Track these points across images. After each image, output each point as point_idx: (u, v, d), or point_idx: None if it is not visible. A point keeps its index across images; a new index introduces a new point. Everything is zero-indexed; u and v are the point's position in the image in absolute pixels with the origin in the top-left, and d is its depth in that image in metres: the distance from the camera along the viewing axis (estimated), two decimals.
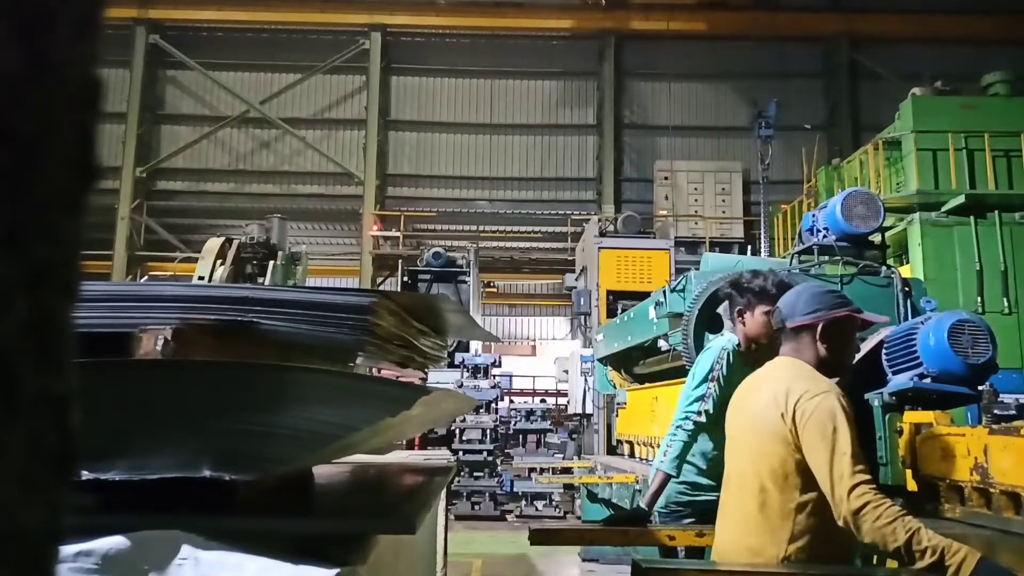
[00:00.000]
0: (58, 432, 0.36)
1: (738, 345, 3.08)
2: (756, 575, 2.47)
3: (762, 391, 2.19)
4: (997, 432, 2.83)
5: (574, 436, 11.44)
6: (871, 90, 17.40)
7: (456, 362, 11.19)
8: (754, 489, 2.11)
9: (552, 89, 18.36)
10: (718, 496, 3.06)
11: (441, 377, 10.29)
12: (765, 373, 2.29)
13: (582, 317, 11.64)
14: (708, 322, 4.58)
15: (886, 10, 17.33)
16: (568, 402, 11.73)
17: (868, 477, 1.96)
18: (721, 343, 3.14)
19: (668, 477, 2.97)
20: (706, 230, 16.05)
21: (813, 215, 5.46)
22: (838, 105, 17.61)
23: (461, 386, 10.60)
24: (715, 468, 3.12)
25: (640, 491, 5.39)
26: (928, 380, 3.49)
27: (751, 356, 3.02)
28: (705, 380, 3.05)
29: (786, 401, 2.07)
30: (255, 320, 1.25)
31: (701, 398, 3.03)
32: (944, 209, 10.17)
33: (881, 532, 1.86)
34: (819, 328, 2.18)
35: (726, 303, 4.60)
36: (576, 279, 12.96)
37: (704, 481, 3.17)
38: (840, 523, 1.93)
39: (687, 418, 3.03)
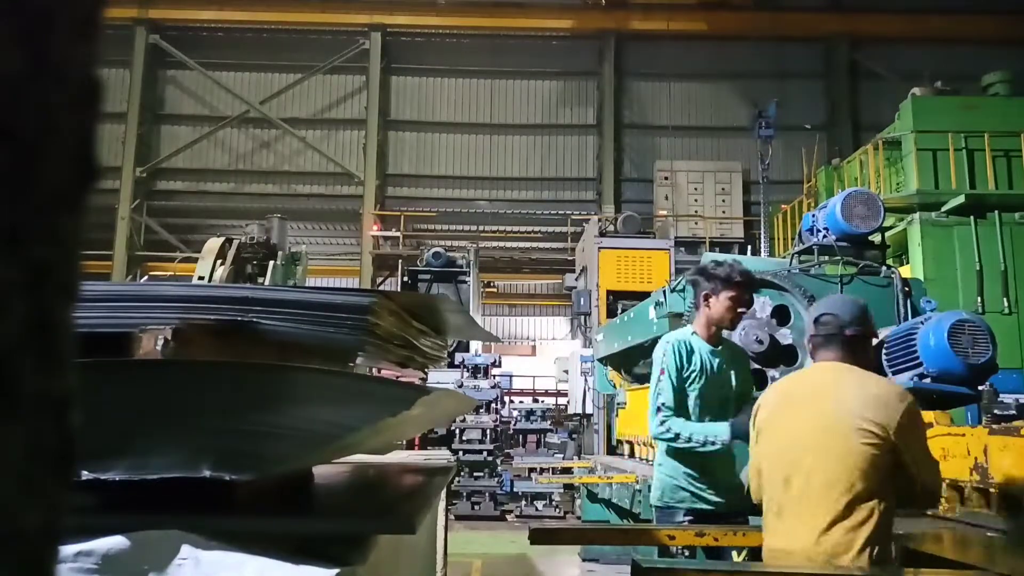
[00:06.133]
0: (58, 432, 0.36)
1: (695, 332, 3.30)
2: (753, 575, 2.47)
3: (841, 393, 2.25)
4: (997, 432, 2.83)
5: (574, 436, 11.44)
6: (871, 90, 17.40)
7: (456, 362, 11.19)
8: (840, 489, 2.15)
9: (552, 89, 18.35)
10: (719, 500, 3.13)
11: (441, 377, 10.28)
12: (827, 378, 2.35)
13: (582, 317, 11.63)
14: None
15: (886, 10, 17.34)
16: (568, 402, 11.73)
17: None
18: (666, 339, 3.35)
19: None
20: (706, 230, 16.05)
21: (813, 215, 5.46)
22: (838, 105, 17.61)
23: (461, 386, 10.60)
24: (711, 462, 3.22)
25: (640, 490, 5.39)
26: (928, 380, 3.49)
27: (712, 337, 3.27)
28: (658, 376, 3.25)
29: (886, 404, 2.18)
30: (255, 320, 1.25)
31: (658, 394, 3.22)
32: (944, 209, 10.17)
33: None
34: (870, 338, 2.39)
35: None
36: (576, 279, 12.95)
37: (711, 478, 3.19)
38: (926, 501, 2.37)
39: (662, 423, 3.18)
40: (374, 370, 2.98)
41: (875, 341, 2.42)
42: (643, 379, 6.90)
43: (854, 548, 2.12)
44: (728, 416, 3.20)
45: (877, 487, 2.14)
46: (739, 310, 3.24)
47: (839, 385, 2.28)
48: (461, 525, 9.56)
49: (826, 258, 5.24)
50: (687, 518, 3.17)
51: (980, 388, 3.98)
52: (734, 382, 3.26)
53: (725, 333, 4.36)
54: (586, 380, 10.23)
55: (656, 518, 3.30)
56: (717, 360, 3.26)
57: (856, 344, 2.33)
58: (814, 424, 2.25)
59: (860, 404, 2.19)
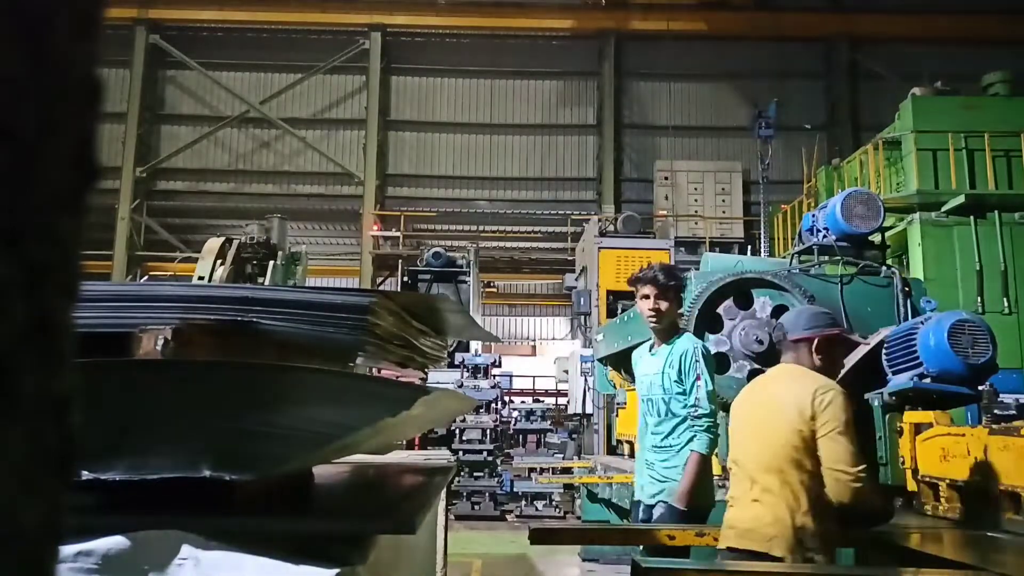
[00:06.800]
0: (58, 432, 0.36)
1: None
2: (755, 575, 2.47)
3: (778, 390, 2.63)
4: (997, 432, 2.83)
5: (574, 436, 11.43)
6: (871, 90, 17.39)
7: (456, 362, 11.18)
8: (773, 470, 2.51)
9: (552, 89, 18.35)
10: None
11: (441, 377, 10.28)
12: (771, 376, 2.76)
13: (582, 317, 11.63)
14: (709, 322, 4.59)
15: (886, 10, 17.33)
16: (568, 402, 11.73)
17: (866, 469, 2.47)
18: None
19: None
20: (706, 230, 16.04)
21: (813, 215, 5.45)
22: (838, 105, 17.60)
23: (461, 386, 10.59)
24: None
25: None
26: (928, 380, 3.49)
27: (661, 338, 3.49)
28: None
29: (809, 393, 2.51)
30: (255, 320, 1.25)
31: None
32: (944, 209, 10.17)
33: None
34: (815, 342, 2.67)
35: (728, 302, 4.64)
36: (576, 279, 12.95)
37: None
38: (831, 493, 2.46)
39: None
40: (374, 370, 2.99)
41: (817, 342, 2.68)
42: None
43: (788, 523, 2.45)
44: (645, 415, 3.46)
45: (805, 470, 2.47)
46: (647, 308, 3.43)
47: (776, 383, 2.69)
48: (461, 525, 9.56)
49: (826, 258, 5.23)
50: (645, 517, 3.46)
51: (980, 388, 3.98)
52: (661, 380, 3.40)
53: (727, 334, 4.46)
54: (586, 380, 10.23)
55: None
56: (655, 360, 3.47)
57: (800, 346, 2.70)
58: (752, 418, 2.68)
59: (793, 399, 2.54)
